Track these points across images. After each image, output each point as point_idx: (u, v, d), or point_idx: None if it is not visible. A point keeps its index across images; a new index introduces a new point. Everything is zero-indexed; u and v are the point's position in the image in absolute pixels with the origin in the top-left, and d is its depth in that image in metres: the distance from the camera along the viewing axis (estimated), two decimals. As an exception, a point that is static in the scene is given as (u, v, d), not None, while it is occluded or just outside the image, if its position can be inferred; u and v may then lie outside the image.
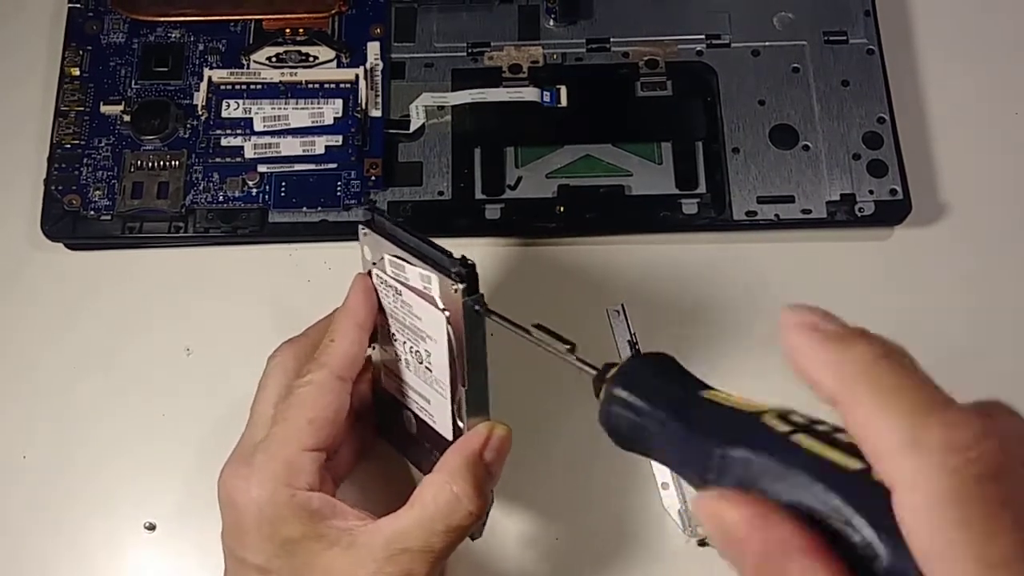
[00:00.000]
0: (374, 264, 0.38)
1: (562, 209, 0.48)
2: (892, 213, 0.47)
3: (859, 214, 0.47)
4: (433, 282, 0.35)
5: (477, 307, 0.34)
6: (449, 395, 0.37)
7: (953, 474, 0.19)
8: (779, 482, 0.22)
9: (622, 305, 0.47)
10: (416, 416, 0.40)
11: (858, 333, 0.22)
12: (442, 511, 0.35)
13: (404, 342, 0.38)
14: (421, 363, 0.38)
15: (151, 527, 0.44)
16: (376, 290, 0.38)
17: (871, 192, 0.47)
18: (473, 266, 0.34)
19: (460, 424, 0.37)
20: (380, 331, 0.39)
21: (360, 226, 0.38)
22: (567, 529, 0.43)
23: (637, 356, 0.29)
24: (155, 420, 0.45)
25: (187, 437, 0.45)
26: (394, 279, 0.37)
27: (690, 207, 0.47)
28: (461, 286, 0.34)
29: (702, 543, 0.42)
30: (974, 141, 0.50)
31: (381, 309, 0.39)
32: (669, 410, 0.26)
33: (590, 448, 0.44)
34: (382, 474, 0.43)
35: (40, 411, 0.46)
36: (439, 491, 0.35)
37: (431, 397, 0.38)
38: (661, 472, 0.44)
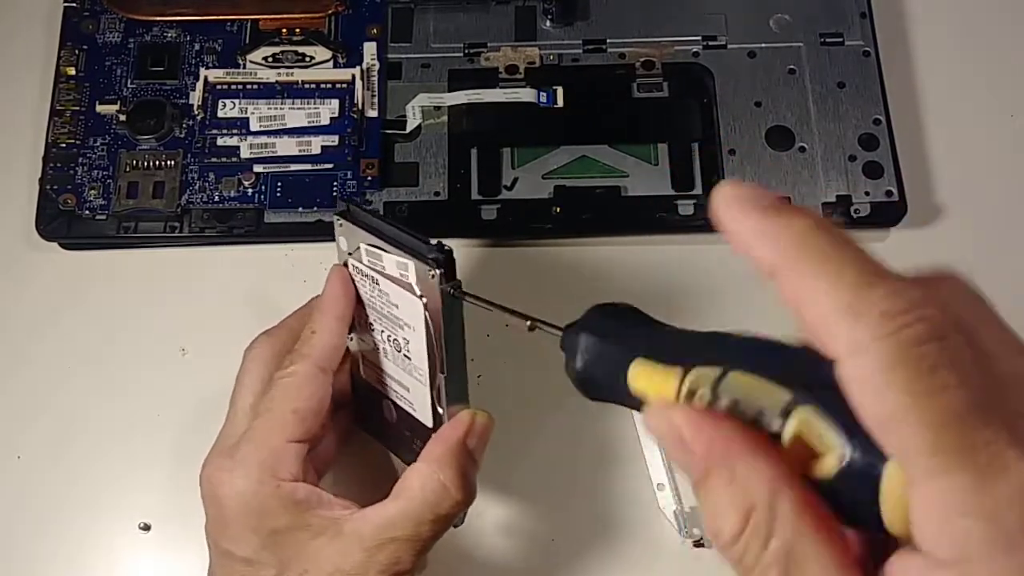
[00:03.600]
0: (350, 255, 0.38)
1: (558, 210, 0.48)
2: (888, 215, 0.47)
3: (855, 216, 0.47)
4: (410, 269, 0.35)
5: (454, 292, 0.34)
6: (428, 382, 0.37)
7: (890, 339, 0.19)
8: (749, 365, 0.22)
9: (618, 306, 0.46)
10: (395, 404, 0.40)
11: (794, 207, 0.21)
12: (430, 501, 0.35)
13: (382, 331, 0.38)
14: (399, 351, 0.38)
15: (146, 527, 0.44)
16: (353, 280, 0.39)
17: (867, 194, 0.47)
18: (450, 252, 0.34)
19: (440, 411, 0.38)
20: (357, 321, 0.39)
21: (335, 218, 0.38)
22: (563, 530, 0.43)
23: (596, 307, 0.28)
24: (150, 420, 0.45)
25: (182, 437, 0.45)
26: (371, 268, 0.37)
27: (686, 208, 0.47)
28: (438, 272, 0.34)
29: (698, 544, 0.42)
30: (970, 143, 0.50)
31: (358, 299, 0.39)
32: (629, 350, 0.26)
33: (586, 449, 0.44)
34: (362, 464, 0.43)
35: (35, 411, 0.46)
36: (427, 481, 0.35)
37: (410, 385, 0.39)
38: (657, 473, 0.44)
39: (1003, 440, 0.18)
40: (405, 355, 0.38)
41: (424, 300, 0.35)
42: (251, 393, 0.38)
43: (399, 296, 0.36)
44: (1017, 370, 0.20)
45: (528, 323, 0.32)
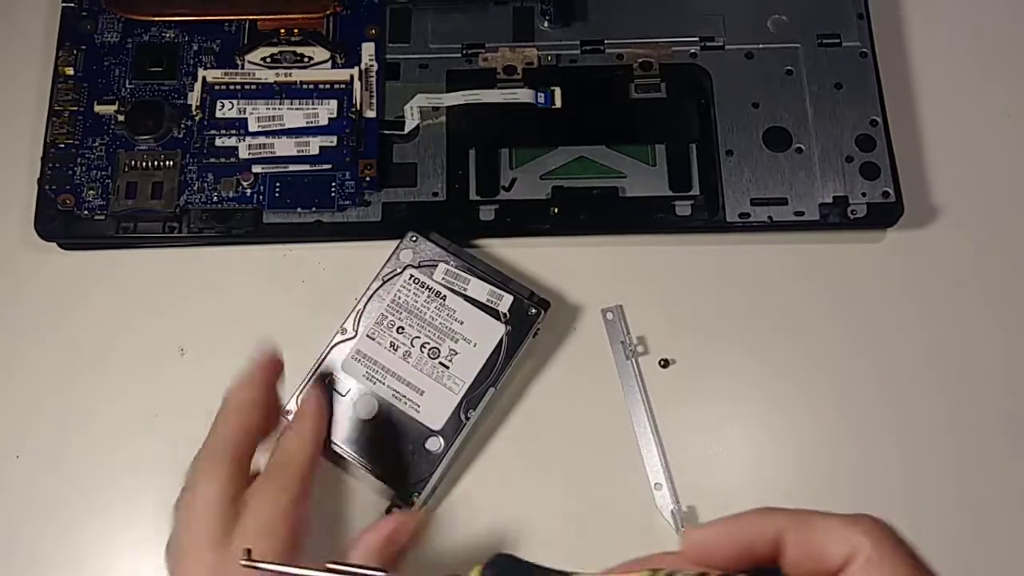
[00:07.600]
0: (415, 267, 0.44)
1: (556, 210, 0.48)
2: (885, 215, 0.47)
3: (852, 216, 0.47)
4: (504, 299, 0.44)
5: (535, 334, 0.44)
6: (463, 392, 0.43)
7: (884, 534, 0.24)
8: None
9: (617, 306, 0.47)
10: (382, 399, 0.43)
11: None
12: None
13: (416, 336, 0.43)
14: (435, 358, 0.43)
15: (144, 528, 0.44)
16: (397, 288, 0.44)
17: (864, 194, 0.47)
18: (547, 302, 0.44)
19: (462, 417, 0.42)
20: (366, 318, 0.44)
21: (410, 233, 0.45)
22: (562, 529, 0.43)
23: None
24: (149, 420, 0.45)
25: (181, 437, 0.45)
26: (444, 286, 0.44)
27: (684, 209, 0.48)
28: (543, 312, 0.44)
29: (695, 544, 0.42)
30: (966, 144, 0.50)
31: (391, 304, 0.44)
32: None
33: (585, 449, 0.44)
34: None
35: (34, 411, 0.46)
36: None
37: (428, 388, 0.43)
38: (655, 472, 0.44)
39: None
40: (441, 363, 0.43)
41: (508, 328, 0.43)
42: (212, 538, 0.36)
43: (472, 315, 0.43)
44: None
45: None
